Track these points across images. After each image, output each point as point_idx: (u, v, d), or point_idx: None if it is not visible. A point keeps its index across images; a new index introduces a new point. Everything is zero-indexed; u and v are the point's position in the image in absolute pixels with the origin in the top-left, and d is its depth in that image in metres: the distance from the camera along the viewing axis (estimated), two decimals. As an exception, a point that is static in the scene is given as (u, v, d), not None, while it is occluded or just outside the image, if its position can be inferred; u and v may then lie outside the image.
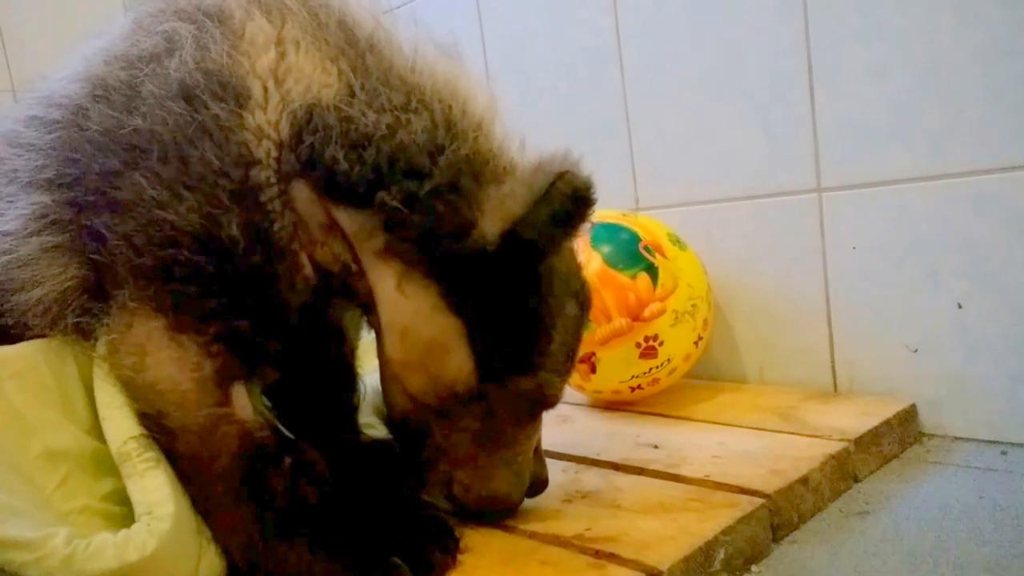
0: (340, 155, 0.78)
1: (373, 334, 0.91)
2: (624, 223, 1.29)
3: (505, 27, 1.69)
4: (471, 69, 0.87)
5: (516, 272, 0.79)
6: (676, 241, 1.29)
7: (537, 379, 0.84)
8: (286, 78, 0.81)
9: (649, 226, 1.29)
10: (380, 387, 1.17)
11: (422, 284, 0.80)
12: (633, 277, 1.23)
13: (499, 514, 0.92)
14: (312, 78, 0.81)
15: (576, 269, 0.88)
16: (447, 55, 0.87)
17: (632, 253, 1.24)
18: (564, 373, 0.87)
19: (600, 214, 1.28)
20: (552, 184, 0.74)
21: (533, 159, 0.80)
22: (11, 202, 0.86)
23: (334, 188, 0.80)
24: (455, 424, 0.86)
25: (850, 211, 1.21)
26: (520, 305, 0.81)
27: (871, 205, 1.18)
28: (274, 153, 0.80)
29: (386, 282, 0.81)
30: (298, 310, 0.86)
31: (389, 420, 0.92)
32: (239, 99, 0.80)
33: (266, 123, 0.80)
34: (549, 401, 0.88)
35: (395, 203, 0.77)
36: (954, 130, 1.09)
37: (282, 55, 0.82)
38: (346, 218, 0.81)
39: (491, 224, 0.77)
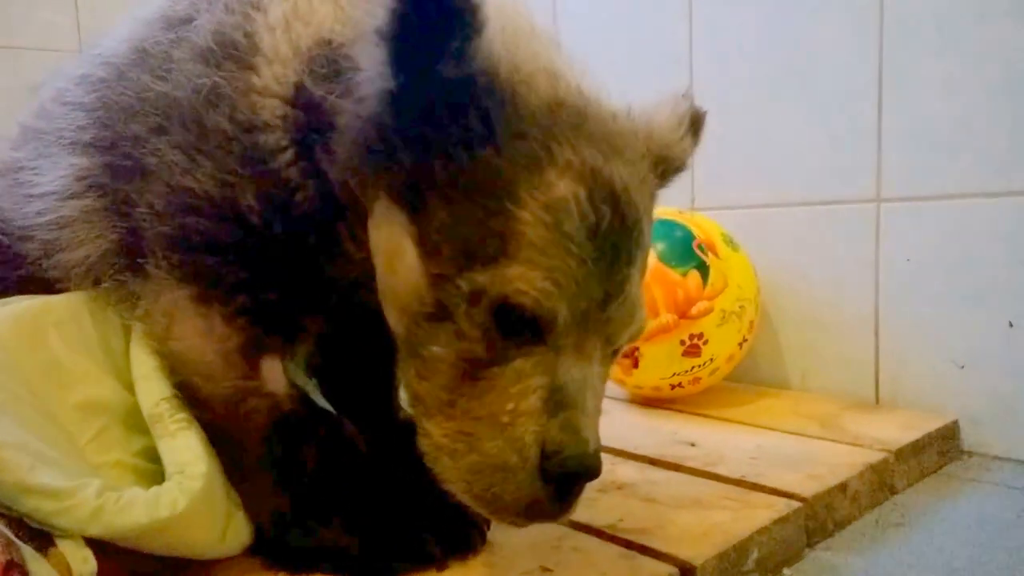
0: (313, 85, 0.73)
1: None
2: (680, 220, 1.29)
3: (581, 28, 1.68)
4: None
5: (429, 109, 0.65)
6: (729, 241, 1.29)
7: (498, 270, 0.64)
8: (294, 24, 0.76)
9: (704, 225, 1.29)
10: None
11: (383, 198, 0.69)
12: (684, 274, 1.23)
13: (515, 510, 0.68)
14: (324, 16, 0.76)
15: (573, 140, 0.67)
16: None
17: (685, 250, 1.24)
18: (556, 273, 0.64)
19: (656, 211, 1.29)
20: None
21: None
22: (55, 163, 0.86)
23: (328, 127, 0.73)
24: (423, 357, 0.69)
25: (907, 223, 1.20)
26: (445, 157, 0.66)
27: (929, 218, 1.17)
28: (279, 111, 0.75)
29: (370, 214, 0.72)
30: (347, 283, 0.83)
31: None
32: (247, 58, 0.76)
33: (272, 79, 0.76)
34: (520, 305, 0.64)
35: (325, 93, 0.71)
36: (1020, 149, 1.08)
37: (295, 2, 0.78)
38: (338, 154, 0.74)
39: (374, 64, 0.66)
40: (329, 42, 0.74)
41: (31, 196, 0.87)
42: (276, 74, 0.75)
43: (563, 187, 0.65)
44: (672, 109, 0.83)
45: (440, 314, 0.67)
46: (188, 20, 0.81)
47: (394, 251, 0.69)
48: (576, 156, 0.66)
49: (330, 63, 0.73)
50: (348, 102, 0.70)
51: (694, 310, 1.22)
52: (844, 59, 1.25)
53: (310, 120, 0.74)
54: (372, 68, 0.66)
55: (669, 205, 1.34)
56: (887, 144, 1.21)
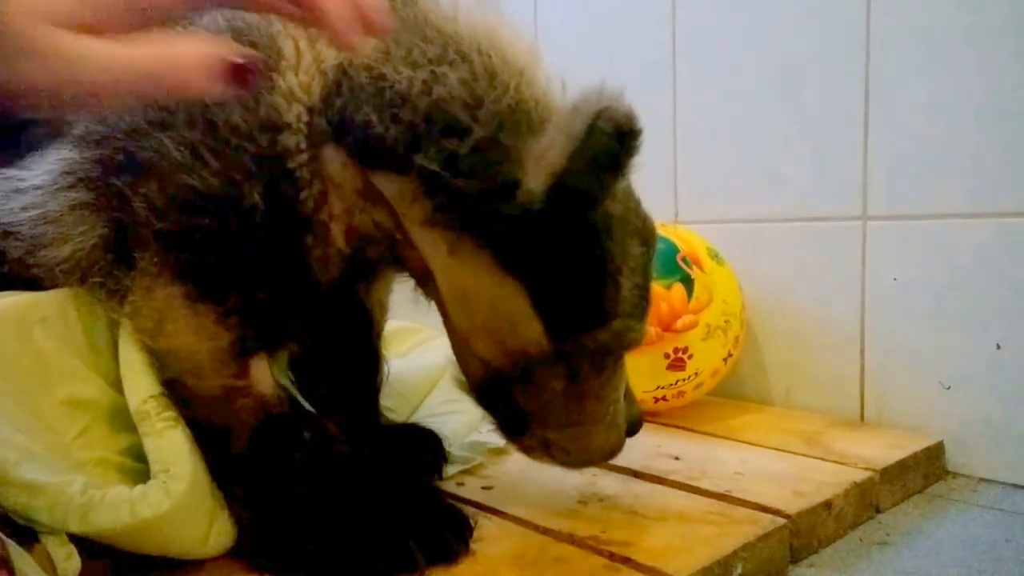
0: (373, 117, 0.74)
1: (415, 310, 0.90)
2: (663, 233, 1.27)
3: (561, 37, 1.68)
4: (510, 17, 0.81)
5: (569, 226, 0.73)
6: (714, 255, 1.28)
7: (613, 328, 0.78)
8: (320, 37, 0.76)
9: (688, 238, 1.28)
10: (402, 375, 1.18)
11: (475, 248, 0.75)
12: (668, 287, 1.22)
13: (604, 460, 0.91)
14: None
15: (634, 205, 0.81)
16: (485, 4, 0.81)
17: (669, 263, 1.23)
18: (641, 315, 0.81)
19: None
20: (590, 125, 0.68)
21: (570, 101, 0.73)
22: (41, 156, 0.85)
23: (369, 152, 0.76)
24: (538, 387, 0.81)
25: (894, 242, 1.20)
26: (579, 258, 0.75)
27: (916, 238, 1.17)
28: (305, 117, 0.77)
29: (438, 249, 0.77)
30: (328, 286, 0.85)
31: (470, 390, 0.87)
32: (270, 60, 0.77)
33: (297, 86, 0.77)
34: (630, 346, 0.82)
35: (434, 166, 0.72)
36: (1008, 169, 1.07)
37: None
38: (386, 183, 0.77)
39: (535, 180, 0.71)
40: (375, 71, 0.75)
41: (16, 191, 0.85)
42: (301, 83, 0.77)
43: (636, 249, 0.79)
44: None
45: (558, 358, 0.79)
46: (191, 16, 0.79)
47: (502, 306, 0.77)
48: (639, 219, 0.80)
49: (381, 98, 0.75)
50: (451, 171, 0.73)
51: (679, 324, 1.21)
52: (830, 74, 1.25)
53: (337, 135, 0.77)
54: (539, 166, 0.71)
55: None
56: (873, 162, 1.21)
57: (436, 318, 0.89)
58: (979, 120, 1.09)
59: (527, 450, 0.88)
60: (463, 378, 0.87)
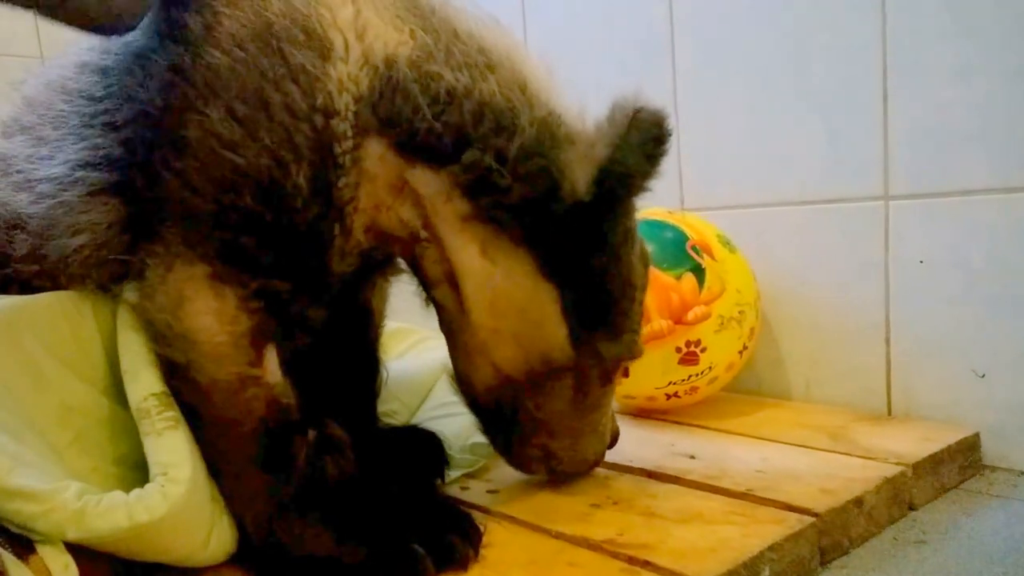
0: (423, 112, 0.78)
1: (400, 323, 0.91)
2: (671, 221, 1.22)
3: (550, 13, 1.62)
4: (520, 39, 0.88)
5: (607, 221, 0.80)
6: (726, 243, 1.22)
7: (623, 341, 0.85)
8: (366, 33, 0.80)
9: (698, 225, 1.22)
10: (399, 377, 1.17)
11: (512, 250, 0.80)
12: (678, 277, 1.16)
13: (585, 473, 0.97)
14: (388, 35, 0.80)
15: (636, 227, 0.88)
16: (496, 24, 0.87)
17: (678, 252, 1.17)
18: (639, 328, 0.89)
19: (644, 211, 1.22)
20: (633, 116, 0.75)
21: (592, 117, 0.80)
22: (59, 146, 0.85)
23: (415, 146, 0.79)
24: (549, 394, 0.86)
25: (919, 222, 1.13)
26: (610, 263, 0.82)
27: (943, 217, 1.10)
28: (352, 107, 0.78)
29: (469, 249, 0.81)
30: (337, 281, 0.85)
31: (471, 399, 0.90)
32: (323, 49, 0.78)
33: (347, 76, 0.78)
34: (634, 357, 0.89)
35: (488, 161, 0.77)
36: (1040, 140, 1.01)
37: (359, 11, 0.81)
38: (422, 180, 0.80)
39: (580, 175, 0.77)
40: (422, 68, 0.79)
41: (29, 181, 0.86)
42: (350, 73, 0.79)
43: (641, 270, 0.88)
44: None
45: (571, 367, 0.84)
46: (235, 3, 0.80)
47: (534, 308, 0.81)
48: (641, 242, 0.89)
49: (429, 94, 0.79)
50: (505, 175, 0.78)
51: (690, 316, 1.15)
52: (843, 42, 1.18)
53: (383, 127, 0.79)
54: (584, 162, 0.77)
55: (656, 206, 1.27)
56: (895, 137, 1.14)
57: (432, 320, 0.90)
58: (1008, 87, 1.03)
59: (525, 462, 0.93)
60: (460, 388, 0.91)
